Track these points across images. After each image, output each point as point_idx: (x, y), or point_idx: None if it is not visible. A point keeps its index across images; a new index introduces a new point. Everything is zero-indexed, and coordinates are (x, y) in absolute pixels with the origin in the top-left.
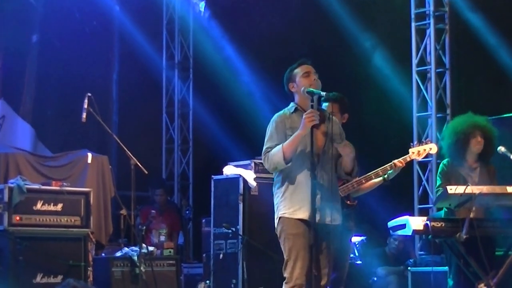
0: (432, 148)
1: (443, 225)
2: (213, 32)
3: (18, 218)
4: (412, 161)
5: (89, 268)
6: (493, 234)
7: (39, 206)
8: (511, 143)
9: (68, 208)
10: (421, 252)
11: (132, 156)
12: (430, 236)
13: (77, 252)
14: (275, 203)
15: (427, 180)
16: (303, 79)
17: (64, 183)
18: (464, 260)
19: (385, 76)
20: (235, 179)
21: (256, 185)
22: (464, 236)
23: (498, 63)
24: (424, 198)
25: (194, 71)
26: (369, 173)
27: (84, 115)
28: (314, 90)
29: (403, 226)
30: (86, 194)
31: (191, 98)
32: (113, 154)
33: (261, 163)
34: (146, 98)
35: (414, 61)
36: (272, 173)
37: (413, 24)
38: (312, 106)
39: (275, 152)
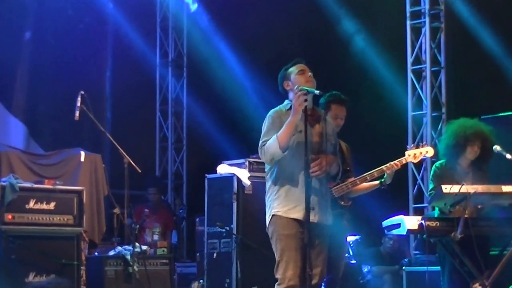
0: (428, 151)
1: (438, 224)
2: (207, 30)
3: (10, 216)
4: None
5: (82, 267)
6: (488, 234)
7: (31, 204)
8: (506, 142)
9: (61, 206)
10: (416, 252)
11: (126, 155)
12: (424, 236)
13: (70, 251)
14: (267, 200)
15: (422, 180)
16: (298, 77)
17: (57, 182)
18: (459, 260)
19: (380, 74)
20: (229, 178)
21: (250, 184)
22: (459, 236)
23: (493, 62)
24: (419, 197)
25: (188, 69)
26: (364, 174)
27: (77, 113)
28: (308, 88)
29: (397, 226)
30: (79, 193)
31: (185, 96)
32: (107, 153)
33: (255, 161)
34: (140, 96)
35: (409, 59)
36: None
37: (408, 23)
38: (306, 106)
39: (271, 143)
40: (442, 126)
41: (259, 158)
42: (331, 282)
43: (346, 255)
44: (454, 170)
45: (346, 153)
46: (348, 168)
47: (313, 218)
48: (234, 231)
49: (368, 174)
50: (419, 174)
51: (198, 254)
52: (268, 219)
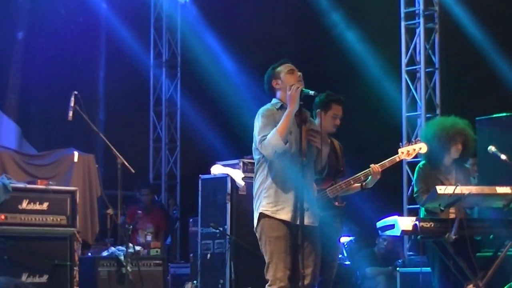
0: (422, 147)
1: (432, 225)
2: (201, 31)
3: (3, 217)
4: (401, 161)
5: (75, 268)
6: (482, 235)
7: (24, 205)
8: (500, 143)
9: (54, 207)
10: (410, 253)
11: (119, 155)
12: (419, 237)
13: (63, 252)
14: (255, 194)
15: None
16: (288, 76)
17: (50, 182)
18: (453, 261)
19: (374, 75)
20: (223, 179)
21: (244, 184)
22: (454, 237)
23: (487, 63)
24: (413, 198)
25: (182, 70)
26: (358, 174)
27: (70, 113)
28: (305, 89)
29: (391, 226)
30: (72, 193)
31: (178, 97)
32: (100, 153)
33: (249, 162)
34: (133, 97)
35: (404, 60)
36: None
37: (402, 23)
38: (301, 106)
39: (271, 136)
40: None
41: (253, 159)
42: (324, 283)
43: (340, 256)
44: (437, 170)
45: (339, 153)
46: (342, 168)
47: (307, 220)
48: (228, 232)
49: (362, 174)
50: (413, 175)
51: (191, 255)
52: (256, 215)
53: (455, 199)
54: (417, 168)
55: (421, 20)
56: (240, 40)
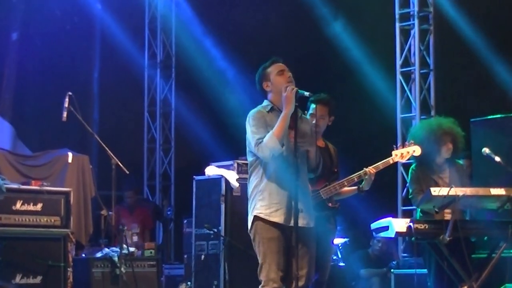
0: (415, 150)
1: (426, 227)
2: (195, 31)
3: None
4: (396, 163)
5: (68, 269)
6: (476, 236)
7: (18, 205)
8: (495, 144)
9: (48, 208)
10: (404, 254)
11: (113, 156)
12: (413, 238)
13: (57, 253)
14: (250, 199)
15: None
16: (278, 77)
17: (44, 183)
18: (447, 262)
19: (369, 76)
20: (217, 180)
21: (239, 185)
22: (448, 238)
23: (482, 64)
24: (408, 199)
25: (177, 70)
26: (352, 176)
27: (64, 114)
28: (303, 91)
29: (386, 228)
30: (66, 194)
31: (173, 97)
32: (94, 154)
33: (244, 163)
34: (128, 97)
35: (398, 61)
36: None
37: (397, 25)
38: (296, 106)
39: (268, 139)
40: None
41: (247, 160)
42: (318, 284)
43: (334, 257)
44: (431, 170)
45: (333, 155)
46: (336, 170)
47: (301, 222)
48: (222, 233)
49: (355, 176)
50: (408, 177)
51: (185, 256)
52: (250, 218)
53: (450, 201)
54: (410, 169)
55: (416, 22)
56: (235, 40)
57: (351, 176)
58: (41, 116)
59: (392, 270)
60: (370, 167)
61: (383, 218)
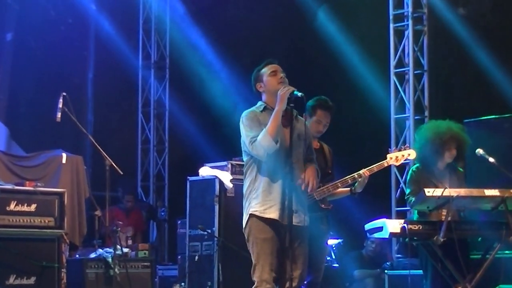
0: (410, 154)
1: (420, 227)
2: (189, 32)
3: None
4: (390, 166)
5: (62, 270)
6: (470, 237)
7: (12, 206)
8: (488, 145)
9: (42, 208)
10: (398, 255)
11: (107, 157)
12: (407, 239)
13: (51, 253)
14: (244, 195)
15: (405, 183)
16: (270, 78)
17: (38, 184)
18: (441, 263)
19: (363, 77)
20: (211, 180)
21: (232, 186)
22: (442, 239)
23: (476, 65)
24: (402, 200)
25: (171, 71)
26: (345, 177)
27: (59, 115)
28: (297, 92)
29: (380, 229)
30: (60, 195)
31: (167, 98)
32: (88, 154)
33: (237, 164)
34: (122, 98)
35: (392, 62)
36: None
37: (391, 25)
38: (292, 108)
39: (262, 137)
40: None
41: (242, 161)
42: (312, 285)
43: (328, 258)
44: (431, 173)
45: (328, 156)
46: (330, 171)
47: (295, 220)
48: (216, 234)
49: (350, 177)
50: (402, 178)
51: (179, 257)
52: (245, 217)
53: (444, 201)
54: (410, 170)
55: (410, 22)
56: (229, 41)
57: (345, 178)
58: (35, 117)
59: (386, 271)
60: (365, 170)
61: (377, 219)
